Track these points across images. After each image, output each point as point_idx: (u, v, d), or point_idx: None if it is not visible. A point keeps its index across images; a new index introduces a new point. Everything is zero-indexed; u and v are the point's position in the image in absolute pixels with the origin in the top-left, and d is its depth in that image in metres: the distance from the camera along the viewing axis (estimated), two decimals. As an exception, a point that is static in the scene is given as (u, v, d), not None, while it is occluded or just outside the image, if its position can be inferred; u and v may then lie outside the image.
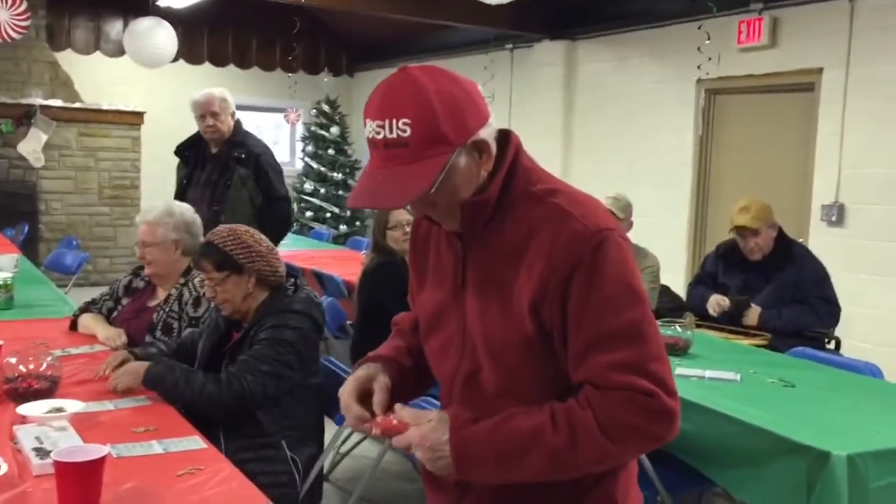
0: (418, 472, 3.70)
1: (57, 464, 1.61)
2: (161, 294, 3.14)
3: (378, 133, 1.28)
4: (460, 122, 1.28)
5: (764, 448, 2.33)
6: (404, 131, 1.26)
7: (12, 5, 6.55)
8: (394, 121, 1.26)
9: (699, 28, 5.63)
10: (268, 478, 2.31)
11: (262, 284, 2.60)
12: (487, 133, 1.33)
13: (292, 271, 2.76)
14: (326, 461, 2.65)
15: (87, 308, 3.22)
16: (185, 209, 3.25)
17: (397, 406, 1.41)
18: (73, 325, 3.17)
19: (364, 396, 1.47)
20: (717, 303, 4.02)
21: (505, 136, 1.40)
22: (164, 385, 2.38)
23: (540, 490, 1.41)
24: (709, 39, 5.55)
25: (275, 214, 4.49)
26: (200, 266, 2.64)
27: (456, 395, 1.45)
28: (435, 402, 1.66)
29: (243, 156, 4.45)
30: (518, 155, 1.39)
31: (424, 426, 1.35)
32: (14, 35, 6.65)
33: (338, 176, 10.06)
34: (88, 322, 3.11)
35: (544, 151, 7.44)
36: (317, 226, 9.70)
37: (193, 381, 2.40)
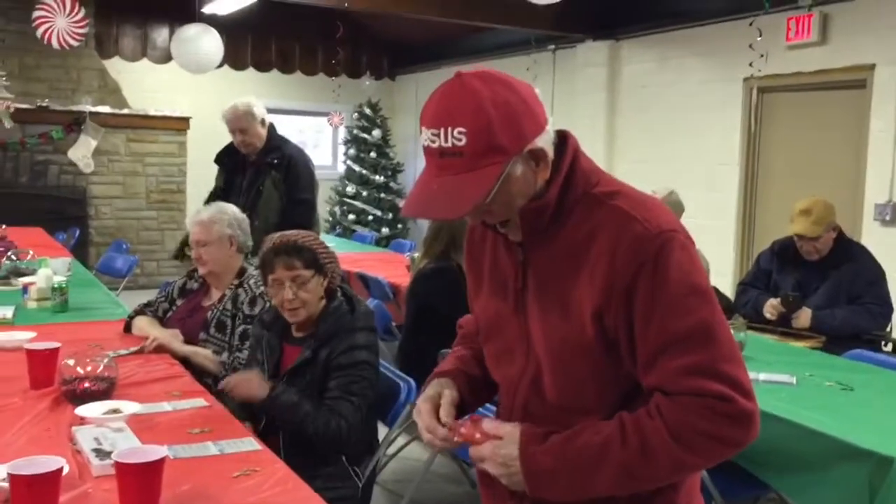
0: (466, 476, 3.69)
1: (118, 465, 1.62)
2: (215, 294, 3.18)
3: (433, 141, 1.27)
4: (516, 130, 1.26)
5: (823, 453, 2.28)
6: (459, 140, 1.24)
7: (71, 12, 6.63)
8: (449, 129, 1.24)
9: (751, 24, 5.53)
10: (330, 493, 2.31)
11: (325, 289, 2.61)
12: (545, 140, 1.31)
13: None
14: (375, 463, 2.65)
15: (141, 311, 3.27)
16: (234, 208, 3.29)
17: (484, 419, 1.40)
18: (127, 328, 3.22)
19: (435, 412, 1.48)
20: (772, 306, 3.94)
21: (563, 139, 1.38)
22: (288, 415, 2.43)
23: (600, 500, 1.38)
24: (760, 36, 5.44)
25: (292, 218, 4.29)
26: (288, 264, 2.54)
27: (520, 400, 1.44)
28: (492, 407, 1.65)
29: (276, 161, 4.45)
30: (577, 158, 1.37)
31: (497, 441, 1.35)
32: (73, 42, 6.73)
33: (380, 179, 10.10)
34: (143, 324, 3.16)
35: (588, 153, 7.34)
36: (359, 229, 9.74)
37: (318, 417, 2.42)
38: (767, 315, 3.94)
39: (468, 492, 3.72)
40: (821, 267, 3.98)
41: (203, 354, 2.95)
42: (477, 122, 1.23)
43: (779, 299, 3.93)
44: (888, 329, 3.98)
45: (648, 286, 1.27)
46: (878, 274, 3.95)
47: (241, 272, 3.15)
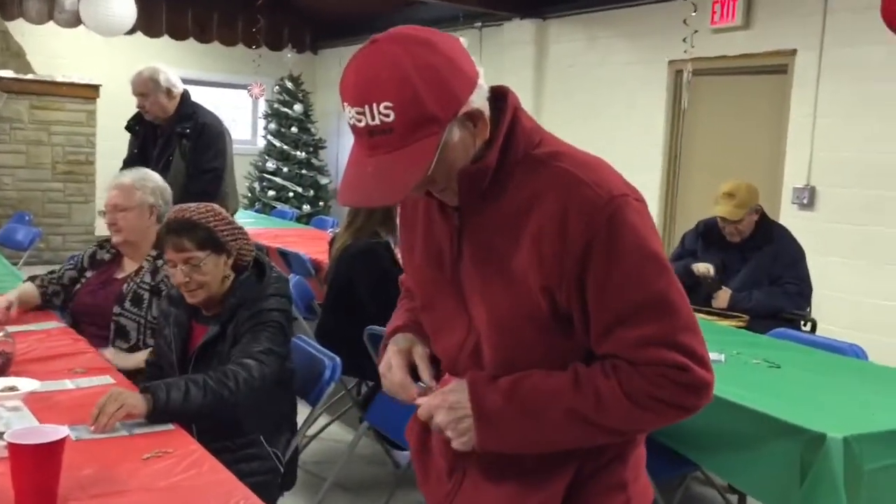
0: (389, 457, 3.60)
1: (11, 446, 1.48)
2: (130, 266, 2.97)
3: (359, 120, 1.15)
4: (446, 94, 1.15)
5: (755, 430, 2.27)
6: (387, 116, 1.12)
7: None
8: (374, 105, 1.13)
9: (685, -1, 5.54)
10: (253, 478, 2.16)
11: (234, 266, 2.42)
12: (479, 97, 1.20)
13: (257, 248, 2.61)
14: (296, 444, 2.53)
15: (30, 281, 3.07)
16: (158, 176, 3.10)
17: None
18: None
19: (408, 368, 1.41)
20: (704, 266, 4.00)
21: (503, 95, 1.27)
22: (176, 407, 1.99)
23: (543, 475, 1.33)
24: (695, 12, 5.47)
25: (196, 188, 4.08)
26: (177, 245, 2.32)
27: (461, 370, 1.36)
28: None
29: (188, 129, 4.26)
30: (517, 116, 1.27)
31: (445, 388, 1.31)
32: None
33: (301, 154, 9.87)
34: (17, 289, 2.96)
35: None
36: (279, 205, 9.50)
37: (195, 390, 2.07)
38: (695, 270, 4.00)
39: (391, 472, 3.63)
40: (743, 248, 4.05)
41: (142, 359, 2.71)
42: (402, 94, 1.12)
43: (705, 269, 3.98)
44: (808, 309, 4.05)
45: (603, 256, 1.19)
46: (797, 255, 4.03)
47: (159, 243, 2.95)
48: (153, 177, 3.07)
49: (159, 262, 2.88)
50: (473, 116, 1.20)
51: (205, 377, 2.11)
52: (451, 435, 1.29)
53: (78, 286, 3.02)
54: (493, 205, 1.27)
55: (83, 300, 2.94)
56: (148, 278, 2.87)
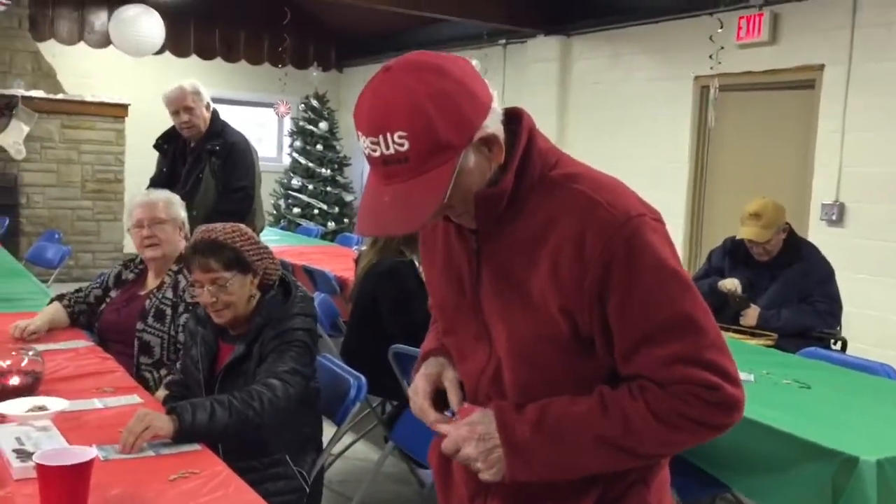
0: (415, 476, 3.58)
1: (40, 467, 1.49)
2: (152, 282, 3.00)
3: (374, 150, 1.15)
4: (460, 121, 1.14)
5: (786, 452, 2.23)
6: (402, 145, 1.12)
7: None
8: (388, 135, 1.13)
9: (711, 15, 5.53)
10: (279, 498, 2.18)
11: (259, 285, 2.44)
12: (493, 121, 1.19)
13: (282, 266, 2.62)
14: (322, 463, 2.52)
15: (58, 299, 3.10)
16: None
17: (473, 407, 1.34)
18: None
19: (435, 394, 1.41)
20: (731, 283, 3.94)
21: (517, 117, 1.27)
22: (202, 428, 2.00)
23: (566, 499, 1.32)
24: (721, 28, 5.45)
25: (225, 206, 4.14)
26: (204, 266, 2.33)
27: (482, 395, 1.35)
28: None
29: (217, 148, 4.28)
30: (532, 138, 1.26)
31: (471, 419, 1.29)
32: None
33: (326, 172, 9.91)
34: (43, 312, 2.98)
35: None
36: (304, 222, 9.55)
37: (221, 410, 2.07)
38: (722, 288, 3.94)
39: (417, 491, 3.62)
40: (772, 266, 3.99)
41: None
42: (416, 123, 1.12)
43: (732, 287, 3.93)
44: (838, 328, 3.99)
45: (623, 278, 1.18)
46: (827, 272, 3.97)
47: (181, 258, 2.96)
48: (176, 198, 3.11)
49: (180, 277, 2.90)
50: (488, 141, 1.19)
51: (230, 397, 2.12)
52: (481, 466, 1.28)
53: (103, 305, 3.04)
54: (511, 228, 1.26)
55: (108, 318, 2.97)
56: (170, 293, 2.88)
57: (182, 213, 3.05)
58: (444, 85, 1.14)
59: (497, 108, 1.21)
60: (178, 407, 2.00)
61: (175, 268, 2.94)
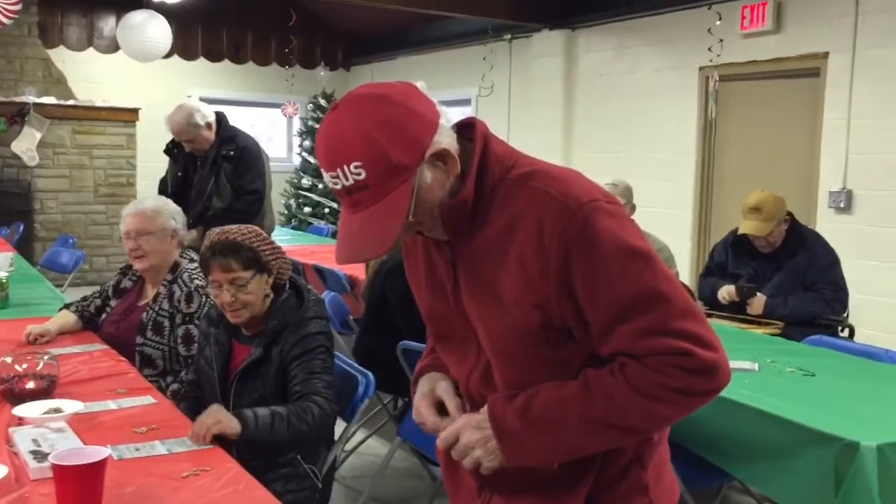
0: (426, 470, 3.62)
1: (56, 467, 1.54)
2: (150, 292, 3.02)
3: (336, 183, 1.24)
4: (409, 142, 1.22)
5: (788, 440, 2.25)
6: (359, 175, 1.21)
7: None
8: (345, 167, 1.22)
9: (709, 8, 5.53)
10: (290, 496, 2.24)
11: (272, 285, 2.49)
12: (443, 136, 1.26)
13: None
14: (333, 459, 2.56)
15: (70, 306, 3.15)
16: (172, 202, 3.16)
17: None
18: None
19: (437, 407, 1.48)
20: (727, 292, 3.96)
21: (470, 126, 1.32)
22: (264, 435, 2.17)
23: (566, 486, 1.37)
24: (720, 20, 5.46)
25: (238, 208, 4.27)
26: (224, 266, 2.39)
27: (476, 392, 1.42)
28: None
29: (231, 153, 4.37)
30: (487, 144, 1.32)
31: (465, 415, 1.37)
32: (5, 21, 6.43)
33: (336, 171, 9.95)
34: (55, 319, 3.03)
35: (545, 143, 7.35)
36: (315, 221, 9.60)
37: (279, 422, 2.21)
38: (722, 300, 3.97)
39: (429, 486, 3.66)
40: (776, 257, 4.01)
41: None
42: (368, 151, 1.20)
43: (734, 288, 3.94)
44: (845, 314, 4.00)
45: (583, 263, 1.23)
46: (831, 260, 3.97)
47: (175, 267, 3.00)
48: (171, 202, 3.12)
49: (174, 287, 2.92)
50: (441, 155, 1.25)
51: (287, 411, 2.23)
52: (480, 453, 1.33)
53: (104, 315, 3.07)
54: (479, 233, 1.32)
55: (107, 331, 3.00)
56: (166, 305, 2.90)
57: (173, 222, 3.01)
58: (389, 112, 1.22)
59: (445, 123, 1.27)
60: (244, 412, 2.14)
61: (169, 277, 2.96)
